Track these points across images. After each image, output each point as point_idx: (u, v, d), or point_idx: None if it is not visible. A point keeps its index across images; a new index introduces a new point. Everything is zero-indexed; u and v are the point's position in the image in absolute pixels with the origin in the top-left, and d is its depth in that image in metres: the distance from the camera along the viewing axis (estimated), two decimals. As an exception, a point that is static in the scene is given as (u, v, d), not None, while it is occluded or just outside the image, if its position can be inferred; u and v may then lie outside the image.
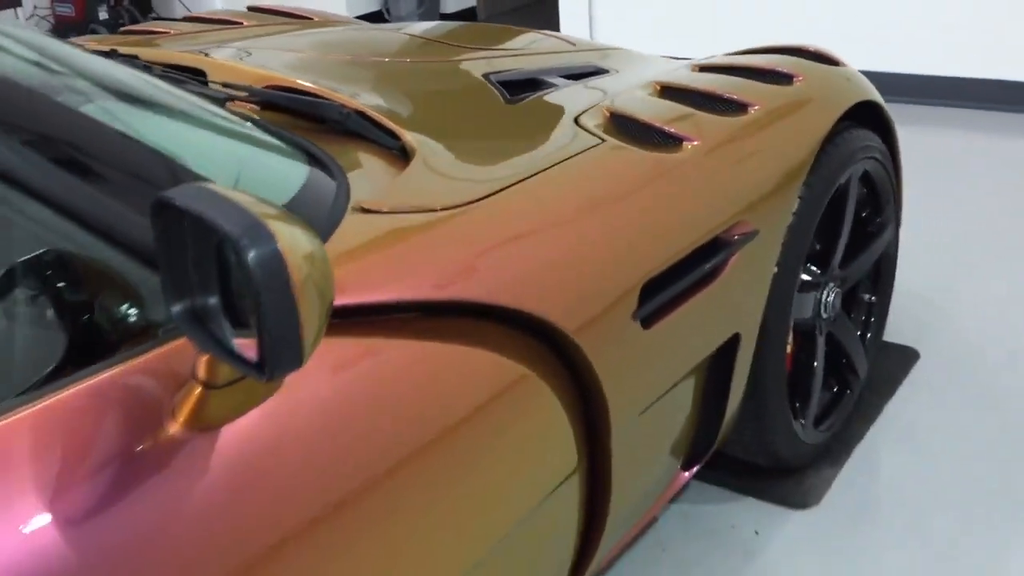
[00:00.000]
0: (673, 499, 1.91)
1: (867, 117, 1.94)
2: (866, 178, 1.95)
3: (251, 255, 0.69)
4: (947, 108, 4.19)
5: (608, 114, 1.58)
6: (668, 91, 1.70)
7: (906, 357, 2.34)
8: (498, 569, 1.23)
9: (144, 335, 0.93)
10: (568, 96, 1.73)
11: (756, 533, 1.84)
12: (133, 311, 0.94)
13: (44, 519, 0.77)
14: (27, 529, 0.76)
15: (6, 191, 0.88)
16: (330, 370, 0.99)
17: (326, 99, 1.51)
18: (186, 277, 0.81)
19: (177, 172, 1.07)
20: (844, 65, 1.97)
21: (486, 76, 1.83)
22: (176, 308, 0.81)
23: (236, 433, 0.89)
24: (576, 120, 1.55)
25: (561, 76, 1.90)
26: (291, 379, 0.88)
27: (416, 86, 1.78)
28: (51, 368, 0.89)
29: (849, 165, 1.83)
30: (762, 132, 1.64)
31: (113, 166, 1.01)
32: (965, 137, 3.92)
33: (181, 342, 0.90)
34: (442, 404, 1.08)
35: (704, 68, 1.85)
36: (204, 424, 0.87)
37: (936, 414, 2.14)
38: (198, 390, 0.85)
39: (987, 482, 1.92)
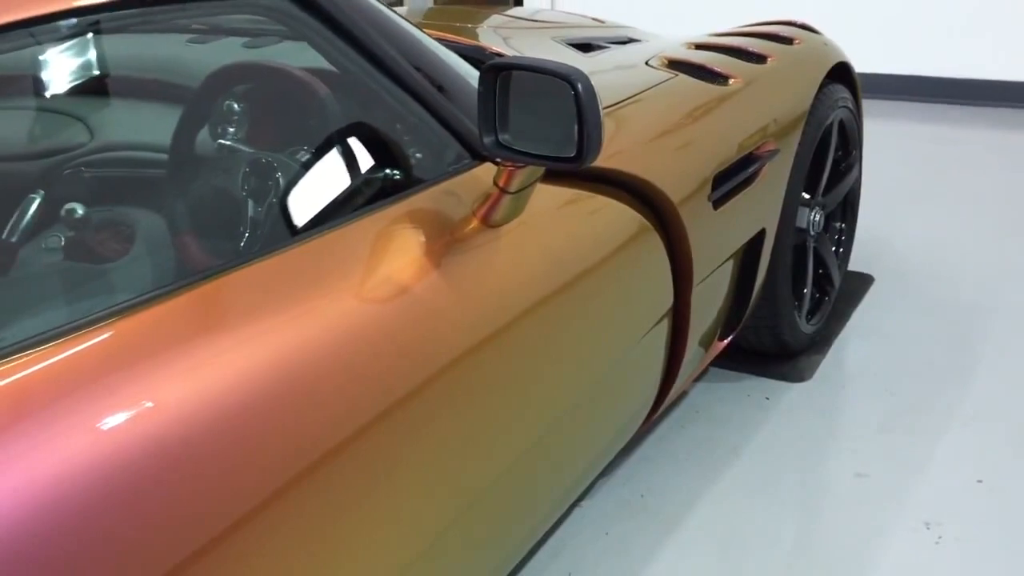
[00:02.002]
0: (701, 376, 2.45)
1: (840, 76, 2.53)
2: (840, 125, 2.54)
3: (581, 85, 1.18)
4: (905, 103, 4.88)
5: (667, 60, 2.11)
6: (702, 47, 2.26)
7: (864, 280, 2.96)
8: (618, 384, 1.73)
9: (437, 169, 1.40)
10: (627, 51, 2.26)
11: (767, 399, 2.40)
12: (424, 155, 1.42)
13: (395, 280, 1.24)
14: (387, 284, 1.23)
15: (375, 79, 1.35)
16: (549, 212, 1.48)
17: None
18: (497, 120, 1.29)
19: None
20: (821, 34, 2.56)
21: (555, 40, 2.34)
22: (488, 140, 1.29)
23: (506, 233, 1.38)
24: (646, 63, 2.08)
25: (607, 42, 2.43)
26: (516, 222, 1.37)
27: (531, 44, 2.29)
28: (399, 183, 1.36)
29: (831, 112, 2.42)
30: (778, 78, 2.21)
31: (435, 67, 1.47)
32: (919, 128, 4.61)
33: (479, 168, 1.38)
34: (591, 245, 1.58)
35: (722, 34, 2.41)
36: (493, 222, 1.35)
37: (891, 316, 2.77)
38: (497, 194, 1.33)
39: (939, 357, 2.54)
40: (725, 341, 2.22)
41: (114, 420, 0.90)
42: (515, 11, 3.31)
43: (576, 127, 1.21)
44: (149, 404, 0.93)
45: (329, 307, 1.14)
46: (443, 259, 1.30)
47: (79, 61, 1.29)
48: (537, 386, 1.47)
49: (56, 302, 1.23)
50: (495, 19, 2.86)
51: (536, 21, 2.69)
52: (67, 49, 1.20)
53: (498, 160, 1.33)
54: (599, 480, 2.09)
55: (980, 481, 2.07)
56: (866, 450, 2.20)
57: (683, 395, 2.43)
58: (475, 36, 2.41)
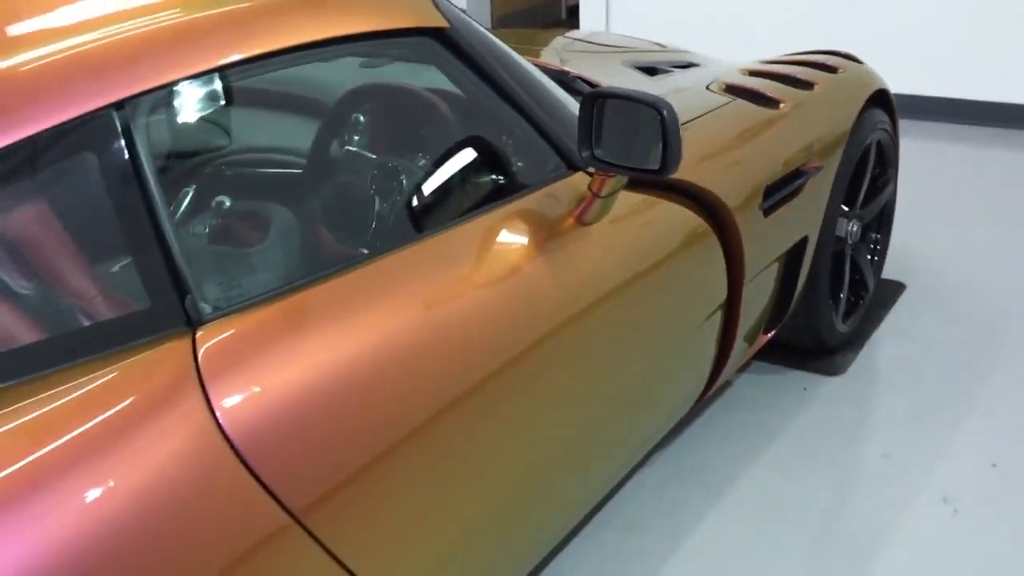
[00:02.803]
0: (745, 367, 2.74)
1: (879, 101, 2.81)
2: (878, 145, 2.82)
3: (666, 112, 1.48)
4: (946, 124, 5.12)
5: (724, 85, 2.41)
6: (755, 73, 2.55)
7: (896, 287, 3.23)
8: (675, 368, 2.03)
9: (537, 177, 1.71)
10: (688, 76, 2.56)
11: (804, 389, 2.69)
12: (529, 165, 1.73)
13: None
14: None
15: (492, 100, 1.66)
16: (627, 214, 1.78)
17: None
18: (593, 138, 1.59)
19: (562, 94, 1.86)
20: (864, 63, 2.84)
21: (624, 64, 2.65)
22: (585, 154, 1.60)
23: (594, 231, 1.68)
24: (707, 87, 2.38)
25: (670, 66, 2.73)
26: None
27: (603, 67, 2.59)
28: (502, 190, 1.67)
29: (871, 134, 2.70)
30: (823, 103, 2.50)
31: (538, 90, 1.78)
32: (960, 149, 4.85)
33: (573, 176, 1.69)
34: (660, 243, 1.88)
35: (771, 62, 2.70)
36: (585, 221, 1.66)
37: (920, 321, 3.04)
38: (590, 198, 1.63)
39: (961, 358, 2.81)
40: (768, 335, 2.50)
41: (285, 375, 1.21)
42: (575, 33, 3.61)
43: (661, 145, 1.51)
44: (310, 363, 1.24)
45: (450, 290, 1.46)
46: (544, 251, 1.61)
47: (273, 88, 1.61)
48: (612, 359, 1.77)
49: (223, 276, 1.55)
50: (560, 41, 3.16)
51: (601, 44, 2.99)
52: (266, 78, 1.50)
53: (590, 171, 1.64)
54: (655, 451, 2.38)
55: (994, 465, 2.34)
56: (892, 435, 2.48)
57: (728, 384, 2.72)
58: (550, 59, 2.71)
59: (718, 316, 2.15)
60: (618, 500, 2.25)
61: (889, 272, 3.26)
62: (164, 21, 1.29)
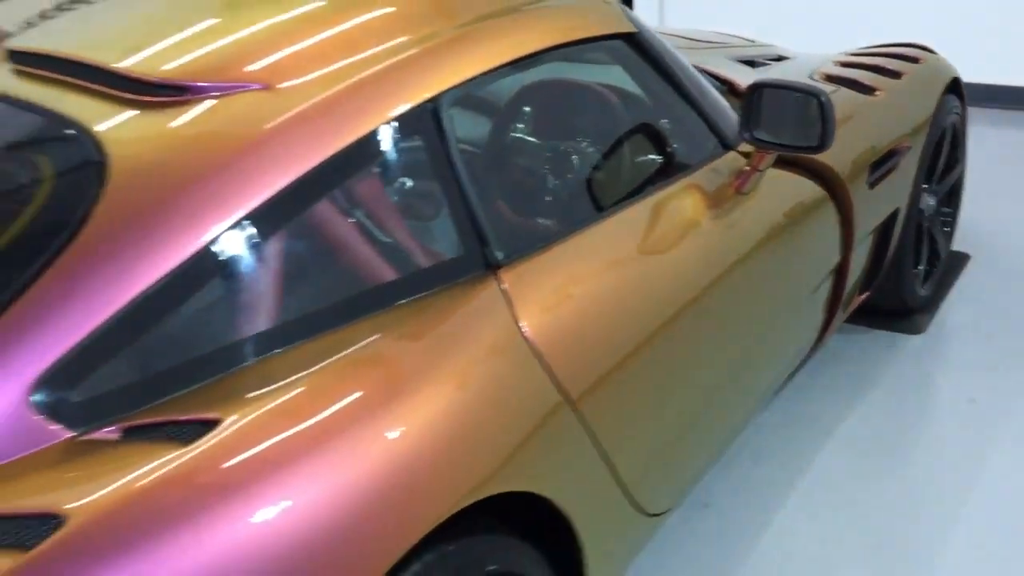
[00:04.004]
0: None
1: (952, 89, 3.14)
2: (952, 128, 3.15)
3: (824, 98, 1.82)
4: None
5: (825, 75, 2.74)
6: (847, 65, 2.88)
7: (963, 257, 3.57)
8: (798, 320, 2.37)
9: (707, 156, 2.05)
10: (787, 67, 2.90)
11: (891, 345, 3.03)
12: (695, 146, 2.07)
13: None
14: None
15: (666, 91, 2.00)
16: (769, 186, 2.12)
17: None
18: (753, 120, 1.93)
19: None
20: (938, 54, 3.17)
21: (726, 58, 2.98)
22: (747, 134, 1.94)
23: (749, 199, 2.02)
24: (810, 77, 2.71)
25: (764, 59, 3.07)
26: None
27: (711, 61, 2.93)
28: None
29: (947, 118, 3.03)
30: (910, 91, 2.84)
31: (698, 83, 2.13)
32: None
33: (728, 155, 2.03)
34: (796, 209, 2.22)
35: (858, 54, 3.04)
36: (744, 191, 2.00)
37: (986, 285, 3.39)
38: (749, 171, 1.98)
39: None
40: (863, 297, 2.84)
41: (561, 297, 1.57)
42: (667, 30, 3.92)
43: (820, 125, 1.86)
44: (578, 290, 1.60)
45: (658, 242, 1.81)
46: (714, 214, 1.95)
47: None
48: (758, 304, 2.13)
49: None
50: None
51: (697, 41, 3.32)
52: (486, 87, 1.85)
53: (740, 150, 1.98)
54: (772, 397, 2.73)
55: (1068, 405, 2.69)
56: (975, 383, 2.82)
57: (821, 345, 3.06)
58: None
59: (831, 278, 2.49)
60: (744, 438, 2.59)
61: (956, 244, 3.60)
62: (443, 37, 1.64)
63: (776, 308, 2.20)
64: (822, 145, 1.88)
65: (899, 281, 3.00)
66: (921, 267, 3.13)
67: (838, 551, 2.24)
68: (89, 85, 1.45)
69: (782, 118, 1.93)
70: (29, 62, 1.53)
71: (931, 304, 3.25)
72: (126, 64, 1.47)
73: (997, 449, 2.54)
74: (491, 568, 1.36)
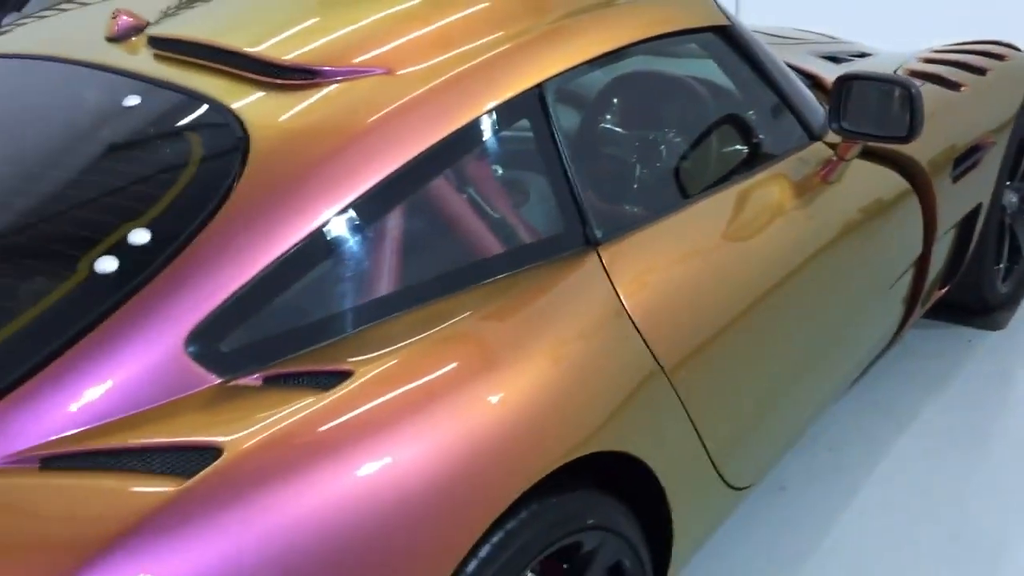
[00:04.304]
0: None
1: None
2: (1036, 125, 3.17)
3: (914, 89, 1.88)
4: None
5: (910, 71, 2.78)
6: (931, 61, 2.91)
7: (1044, 256, 3.57)
8: (880, 309, 2.42)
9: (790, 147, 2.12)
10: (870, 63, 2.94)
11: (969, 341, 3.05)
12: (783, 136, 2.14)
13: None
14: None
15: (756, 83, 2.08)
16: (853, 176, 2.18)
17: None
18: (842, 112, 1.99)
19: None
20: (1022, 51, 3.18)
21: (810, 54, 3.03)
22: (835, 125, 2.00)
23: (835, 188, 2.08)
24: (895, 73, 2.75)
25: (847, 55, 3.11)
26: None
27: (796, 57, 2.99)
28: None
29: (1032, 115, 3.05)
30: (995, 87, 2.86)
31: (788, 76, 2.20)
32: None
33: (814, 145, 2.10)
34: (879, 200, 2.27)
35: (943, 50, 3.06)
36: (830, 181, 2.06)
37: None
38: (836, 161, 2.04)
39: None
40: (942, 291, 2.87)
41: (659, 270, 1.66)
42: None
43: (908, 116, 1.91)
44: (674, 267, 1.69)
45: (750, 226, 1.89)
46: (802, 202, 2.03)
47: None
48: (843, 289, 2.18)
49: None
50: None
51: (782, 37, 3.37)
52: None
53: (826, 141, 2.05)
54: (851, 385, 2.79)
55: None
56: (1055, 380, 2.84)
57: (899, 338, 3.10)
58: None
59: (912, 270, 2.53)
60: (821, 425, 2.64)
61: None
62: (541, 30, 1.73)
63: (858, 297, 2.26)
64: (911, 135, 1.93)
65: (980, 277, 3.02)
66: (1002, 264, 3.15)
67: (911, 540, 2.29)
68: (224, 68, 1.58)
69: (870, 109, 1.99)
70: (167, 47, 1.67)
71: (1011, 301, 3.26)
72: (258, 49, 1.60)
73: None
74: (590, 522, 1.46)
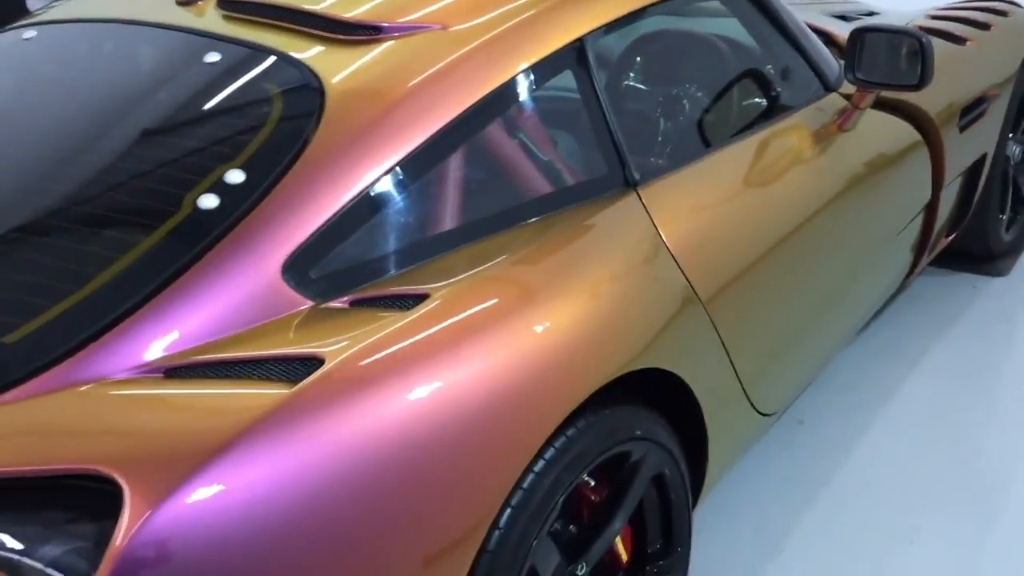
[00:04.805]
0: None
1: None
2: (1038, 79, 3.31)
3: (924, 39, 2.02)
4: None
5: (916, 27, 2.91)
6: (938, 18, 3.05)
7: (1045, 207, 3.72)
8: (893, 251, 2.57)
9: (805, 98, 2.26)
10: (879, 20, 3.07)
11: (974, 287, 3.21)
12: (802, 87, 2.28)
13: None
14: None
15: (776, 38, 2.22)
16: (867, 125, 2.32)
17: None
18: (856, 63, 2.13)
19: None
20: (1024, 8, 3.33)
21: (821, 13, 3.17)
22: (850, 76, 2.14)
23: (851, 135, 2.23)
24: (903, 30, 2.89)
25: (857, 14, 3.24)
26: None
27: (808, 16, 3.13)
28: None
29: (1034, 70, 3.19)
30: (999, 41, 3.01)
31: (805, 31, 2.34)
32: None
33: (829, 96, 2.24)
34: (892, 147, 2.42)
35: (949, 8, 3.20)
36: (846, 129, 2.21)
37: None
38: (852, 110, 2.19)
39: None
40: (949, 238, 3.03)
41: (694, 209, 1.81)
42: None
43: (920, 65, 2.06)
44: (708, 203, 1.84)
45: (775, 169, 2.05)
46: (821, 149, 2.18)
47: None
48: (861, 230, 2.34)
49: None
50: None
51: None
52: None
53: (841, 92, 2.19)
54: (863, 328, 2.94)
55: None
56: (1057, 321, 3.00)
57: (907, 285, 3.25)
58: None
59: (921, 216, 2.68)
60: (836, 365, 2.80)
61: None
62: None
63: (873, 238, 2.41)
64: (922, 83, 2.08)
65: (984, 225, 3.17)
66: (1006, 214, 3.30)
67: (923, 468, 2.46)
68: (291, 26, 1.72)
69: (883, 60, 2.14)
70: (235, 8, 1.80)
71: (1014, 250, 3.41)
72: (322, 7, 1.74)
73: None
74: (638, 432, 1.62)
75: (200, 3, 1.86)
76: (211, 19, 1.80)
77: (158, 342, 1.32)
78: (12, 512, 1.16)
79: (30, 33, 1.93)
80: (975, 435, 2.59)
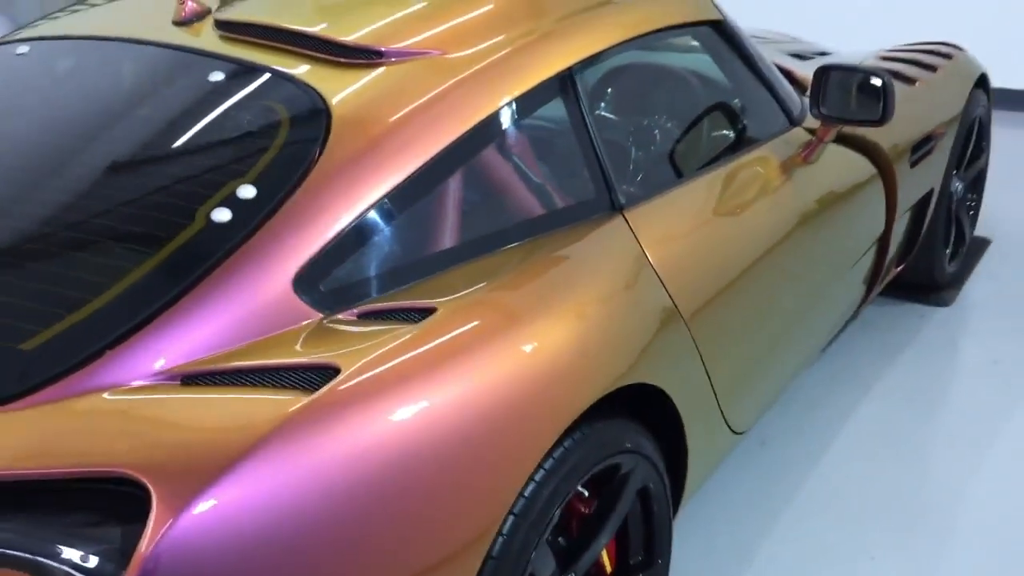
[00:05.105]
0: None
1: (980, 84, 3.47)
2: (979, 120, 3.49)
3: (885, 79, 2.15)
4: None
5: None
6: (889, 59, 3.21)
7: (984, 242, 3.91)
8: (851, 280, 2.70)
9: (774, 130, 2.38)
10: (834, 60, 3.22)
11: (921, 316, 3.37)
12: (768, 121, 2.39)
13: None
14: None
15: (743, 74, 2.33)
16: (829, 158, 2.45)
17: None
18: (820, 101, 2.26)
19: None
20: (967, 51, 3.50)
21: (780, 52, 3.31)
22: (814, 111, 2.27)
23: (814, 168, 2.35)
24: (856, 71, 3.04)
25: (811, 53, 3.39)
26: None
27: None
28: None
29: (975, 110, 3.37)
30: (945, 83, 3.18)
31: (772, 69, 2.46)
32: None
33: (794, 130, 2.36)
34: (850, 180, 2.55)
35: (896, 50, 3.37)
36: (810, 161, 2.33)
37: (1006, 265, 3.74)
38: (815, 142, 2.31)
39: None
40: (899, 269, 3.17)
41: (676, 231, 1.90)
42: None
43: (881, 102, 2.18)
44: (688, 229, 1.93)
45: (746, 199, 2.15)
46: (785, 180, 2.29)
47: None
48: (821, 258, 2.46)
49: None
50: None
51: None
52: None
53: (805, 127, 2.32)
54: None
55: (1083, 367, 3.03)
56: (998, 348, 3.17)
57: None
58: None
59: (875, 246, 2.82)
60: (795, 388, 2.91)
61: (978, 230, 3.93)
62: (569, 21, 1.96)
63: (834, 264, 2.53)
64: (883, 119, 2.21)
65: (930, 258, 3.33)
66: (949, 247, 3.47)
67: (880, 485, 2.57)
68: (290, 48, 1.77)
69: (847, 96, 2.27)
70: (233, 30, 1.85)
71: (957, 280, 3.59)
72: (320, 30, 1.80)
73: (1019, 401, 2.89)
74: (627, 445, 1.68)
75: (196, 24, 1.90)
76: (209, 40, 1.85)
77: (174, 350, 1.35)
78: (37, 514, 1.18)
79: (24, 48, 1.96)
80: (926, 453, 2.72)
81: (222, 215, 1.47)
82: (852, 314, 2.93)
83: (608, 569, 1.81)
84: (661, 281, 1.82)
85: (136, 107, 1.75)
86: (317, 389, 1.30)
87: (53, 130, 1.75)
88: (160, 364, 1.34)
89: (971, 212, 3.68)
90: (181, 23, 1.89)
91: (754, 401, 2.28)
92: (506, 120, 1.76)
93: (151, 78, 1.81)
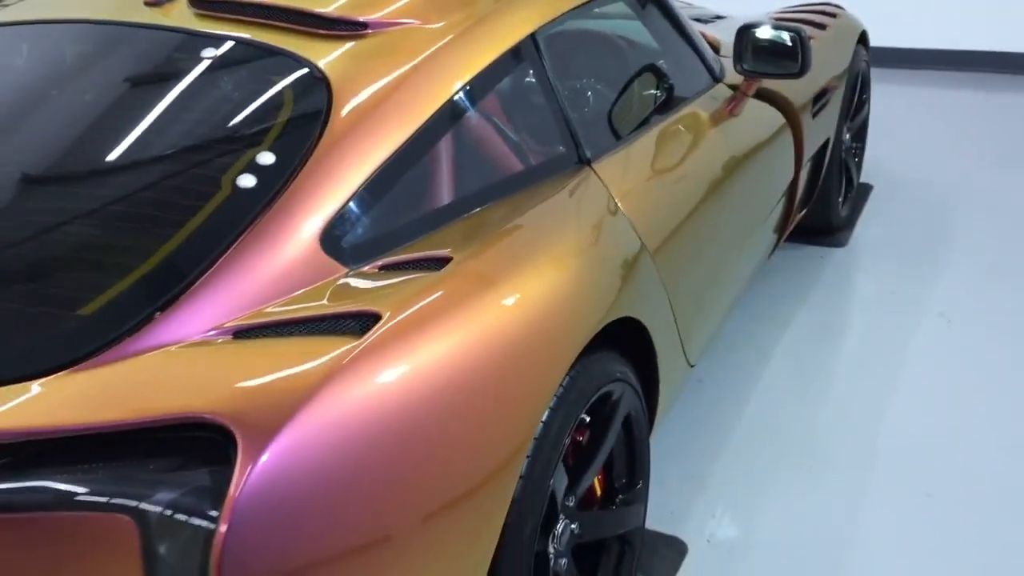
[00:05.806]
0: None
1: (861, 40, 3.79)
2: (861, 74, 3.81)
3: (801, 35, 2.39)
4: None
5: (767, 29, 3.33)
6: (782, 19, 3.47)
7: (867, 188, 4.26)
8: (771, 217, 2.95)
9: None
10: (728, 24, 3.46)
11: (821, 258, 3.67)
12: (695, 78, 2.59)
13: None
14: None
15: (672, 35, 2.53)
16: (749, 110, 2.68)
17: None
18: (743, 55, 2.47)
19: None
20: (847, 11, 3.82)
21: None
22: (738, 67, 2.48)
23: (740, 119, 2.57)
24: (756, 31, 3.29)
25: (709, 18, 3.63)
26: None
27: None
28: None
29: (859, 65, 3.68)
30: (835, 40, 3.48)
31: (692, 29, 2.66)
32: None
33: (717, 86, 2.57)
34: (767, 130, 2.79)
35: (787, 11, 3.64)
36: (735, 114, 2.55)
37: (889, 207, 4.10)
38: (740, 96, 2.52)
39: (924, 229, 3.86)
40: (802, 214, 3.46)
41: (638, 176, 2.08)
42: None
43: (800, 55, 2.41)
44: (647, 171, 2.11)
45: (677, 153, 2.34)
46: (717, 130, 2.50)
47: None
48: (749, 199, 2.69)
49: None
50: None
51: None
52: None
53: (727, 83, 2.53)
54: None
55: (968, 292, 3.38)
56: (892, 278, 3.52)
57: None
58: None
59: (785, 194, 3.08)
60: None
61: (861, 177, 4.28)
62: None
63: (758, 208, 2.77)
64: (802, 71, 2.45)
65: (827, 203, 3.64)
66: (842, 190, 3.79)
67: (805, 412, 2.84)
68: (270, 23, 1.86)
69: (765, 52, 2.50)
70: (208, 7, 1.91)
71: (849, 223, 3.92)
72: (298, 3, 1.89)
73: (917, 322, 3.23)
74: (617, 374, 1.86)
75: (167, 4, 1.95)
76: (187, 18, 1.91)
77: (219, 309, 1.44)
78: (128, 463, 1.26)
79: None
80: (840, 381, 3.01)
81: (247, 181, 1.57)
82: (768, 255, 3.19)
83: (598, 492, 1.99)
84: (631, 224, 2.00)
85: (146, 88, 1.81)
86: (365, 333, 1.42)
87: (80, 112, 1.80)
88: (209, 322, 1.43)
89: (857, 160, 4.03)
90: (153, 4, 1.94)
91: (702, 334, 2.50)
92: (486, 83, 1.90)
93: (151, 59, 1.87)
